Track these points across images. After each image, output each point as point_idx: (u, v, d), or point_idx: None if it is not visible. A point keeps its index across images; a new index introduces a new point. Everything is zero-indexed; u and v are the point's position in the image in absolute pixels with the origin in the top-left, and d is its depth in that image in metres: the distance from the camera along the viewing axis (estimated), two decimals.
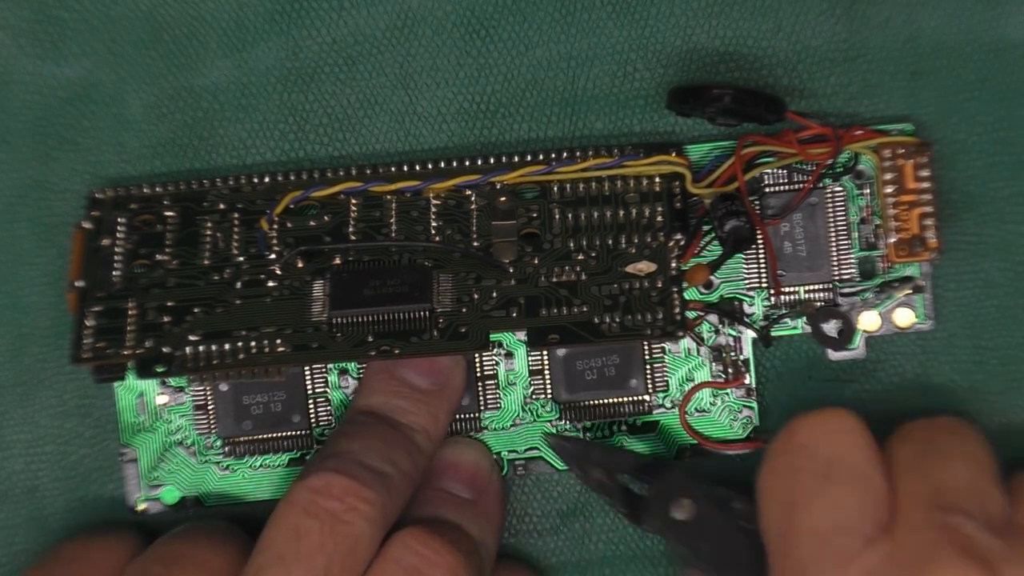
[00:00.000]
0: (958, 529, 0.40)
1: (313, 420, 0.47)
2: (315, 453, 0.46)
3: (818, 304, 0.47)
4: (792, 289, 0.47)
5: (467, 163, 0.47)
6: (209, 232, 0.46)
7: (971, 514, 0.41)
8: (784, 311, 0.47)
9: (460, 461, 0.46)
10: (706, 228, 0.46)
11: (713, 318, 0.47)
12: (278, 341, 0.44)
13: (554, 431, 0.47)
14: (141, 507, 0.48)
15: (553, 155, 0.47)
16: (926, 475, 0.42)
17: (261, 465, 0.48)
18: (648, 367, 0.47)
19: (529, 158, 0.47)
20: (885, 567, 0.40)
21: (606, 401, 0.47)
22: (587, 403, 0.47)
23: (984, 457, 0.43)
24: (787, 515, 0.42)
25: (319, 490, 0.42)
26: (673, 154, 0.46)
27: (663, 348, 0.47)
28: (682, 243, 0.45)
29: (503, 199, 0.46)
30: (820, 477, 0.42)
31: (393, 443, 0.44)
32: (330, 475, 0.42)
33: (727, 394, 0.47)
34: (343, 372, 0.47)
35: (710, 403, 0.47)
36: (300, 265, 0.45)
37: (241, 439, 0.47)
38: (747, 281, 0.47)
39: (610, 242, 0.45)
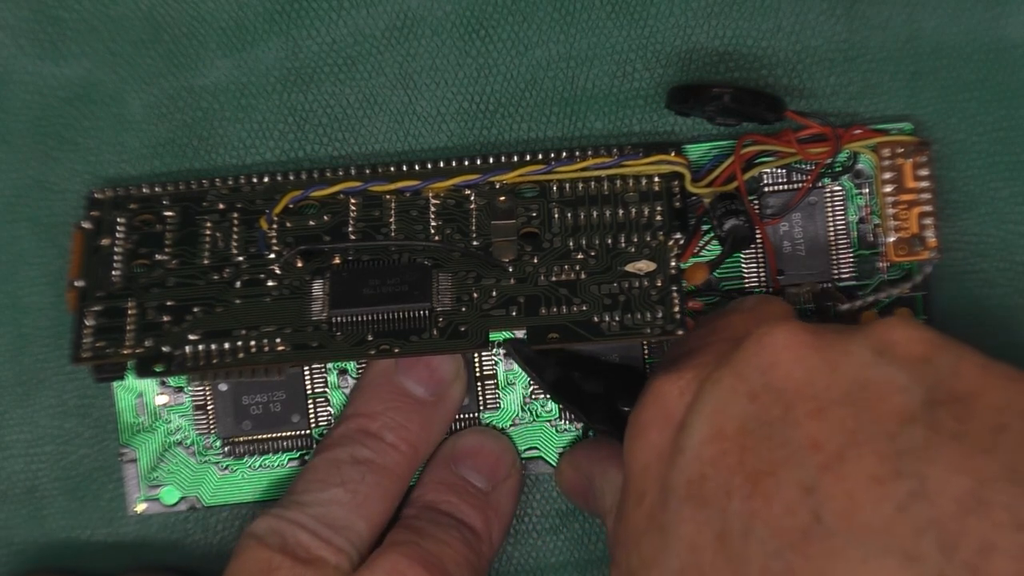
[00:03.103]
0: None
1: (312, 420, 0.47)
2: (295, 479, 0.46)
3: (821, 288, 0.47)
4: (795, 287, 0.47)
5: (467, 163, 0.47)
6: (209, 232, 0.46)
7: None
8: None
9: (484, 449, 0.47)
10: (705, 227, 0.46)
11: None
12: (278, 340, 0.44)
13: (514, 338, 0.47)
14: (140, 507, 0.48)
15: (552, 155, 0.47)
16: None
17: (261, 465, 0.48)
18: (648, 367, 0.47)
19: (529, 158, 0.47)
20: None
21: None
22: None
23: None
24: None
25: (285, 541, 0.43)
26: (672, 154, 0.46)
27: (663, 347, 0.47)
28: (681, 242, 0.45)
29: (503, 199, 0.46)
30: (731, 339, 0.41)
31: (366, 492, 0.44)
32: (297, 531, 0.43)
33: None
34: (343, 372, 0.47)
35: None
36: (300, 264, 0.45)
37: (241, 439, 0.47)
38: (747, 280, 0.47)
39: (610, 241, 0.45)
